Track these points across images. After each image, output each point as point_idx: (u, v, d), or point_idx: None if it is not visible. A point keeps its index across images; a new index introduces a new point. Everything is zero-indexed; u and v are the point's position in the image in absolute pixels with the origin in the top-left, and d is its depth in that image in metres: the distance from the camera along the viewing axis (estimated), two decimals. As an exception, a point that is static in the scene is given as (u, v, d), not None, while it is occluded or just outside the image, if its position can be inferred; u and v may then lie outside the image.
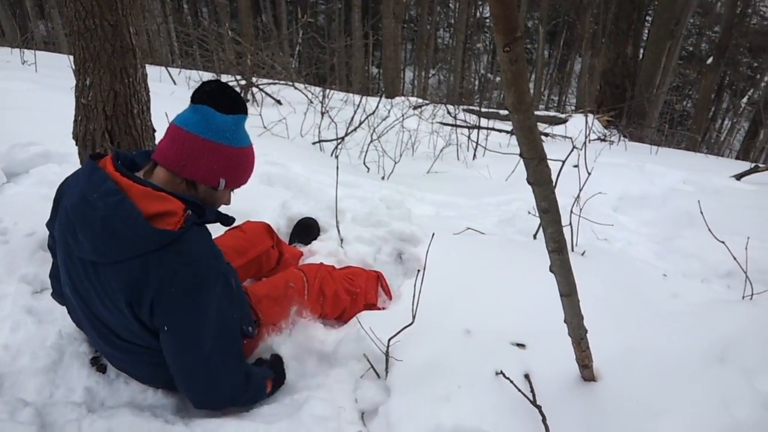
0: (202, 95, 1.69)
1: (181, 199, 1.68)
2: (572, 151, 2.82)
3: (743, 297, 2.52)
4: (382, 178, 4.53)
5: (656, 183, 4.54)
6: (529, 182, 1.31)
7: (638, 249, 3.41)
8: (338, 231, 2.91)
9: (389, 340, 2.02)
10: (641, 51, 13.18)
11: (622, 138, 7.68)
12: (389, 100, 9.32)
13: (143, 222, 1.56)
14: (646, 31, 15.99)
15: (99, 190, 1.59)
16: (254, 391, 1.95)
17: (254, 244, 2.50)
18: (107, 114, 2.24)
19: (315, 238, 3.02)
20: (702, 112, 15.56)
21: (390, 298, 2.67)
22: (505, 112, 10.60)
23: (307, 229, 3.07)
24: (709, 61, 16.09)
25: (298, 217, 3.13)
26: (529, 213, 3.17)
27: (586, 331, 1.79)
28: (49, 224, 1.92)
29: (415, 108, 8.49)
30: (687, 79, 26.28)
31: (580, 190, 2.92)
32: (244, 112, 1.77)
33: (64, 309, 2.25)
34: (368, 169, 4.79)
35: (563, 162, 2.93)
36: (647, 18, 16.55)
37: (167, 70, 6.31)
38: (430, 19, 25.27)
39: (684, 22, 15.84)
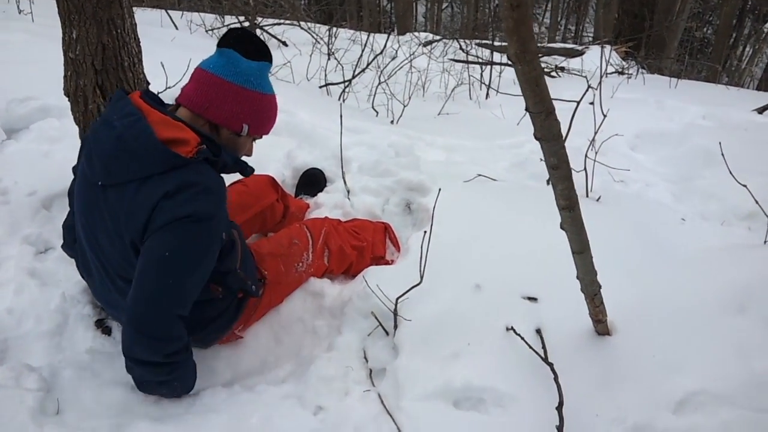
0: (229, 40, 1.72)
1: (199, 134, 1.66)
2: (587, 90, 2.68)
3: (765, 241, 2.43)
4: (392, 122, 4.40)
5: (675, 119, 4.37)
6: (536, 137, 1.22)
7: (656, 190, 3.29)
8: (344, 182, 2.83)
9: (397, 299, 1.97)
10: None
11: (640, 70, 7.39)
12: (399, 37, 9.03)
13: (155, 141, 1.56)
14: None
15: (120, 113, 1.62)
16: (171, 368, 1.70)
17: (258, 199, 2.44)
18: (96, 68, 2.13)
19: (321, 190, 2.95)
20: (723, 39, 14.94)
21: (398, 250, 2.62)
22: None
23: (312, 180, 3.00)
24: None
25: (304, 168, 3.06)
26: (541, 160, 3.05)
27: (599, 287, 1.72)
28: (75, 167, 1.92)
29: (425, 45, 8.20)
30: (708, 4, 25.19)
31: (596, 133, 2.80)
32: (269, 60, 1.78)
33: (67, 271, 2.23)
34: (377, 113, 4.65)
35: (578, 103, 2.79)
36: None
37: (167, 14, 6.08)
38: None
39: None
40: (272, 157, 3.12)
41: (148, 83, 2.41)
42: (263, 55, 1.76)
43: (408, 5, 15.17)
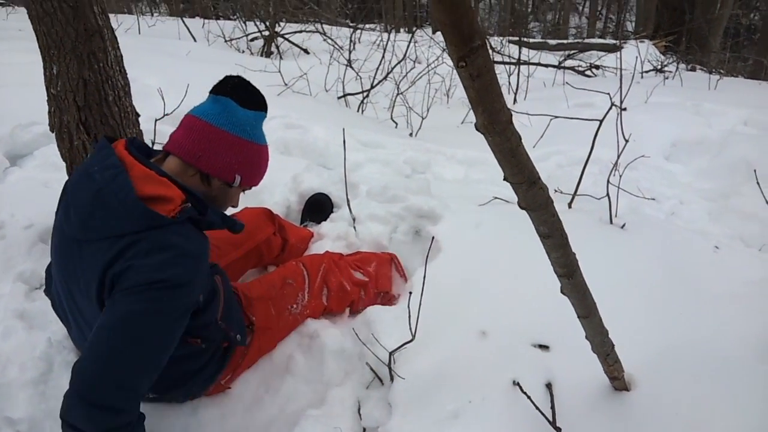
0: (225, 88, 1.66)
1: (184, 191, 1.55)
2: (610, 109, 2.48)
3: (807, 275, 2.19)
4: (410, 134, 4.24)
5: (714, 125, 4.09)
6: (520, 207, 1.05)
7: (690, 209, 3.06)
8: (350, 210, 2.68)
9: (391, 353, 1.82)
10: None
11: (679, 68, 7.03)
12: (434, 36, 8.85)
13: (134, 198, 1.45)
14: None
15: (101, 164, 1.53)
16: None
17: (252, 234, 2.31)
18: (79, 104, 2.04)
19: (328, 216, 2.81)
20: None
21: (405, 280, 2.47)
22: (555, 42, 9.94)
23: (318, 207, 2.87)
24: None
25: (310, 193, 2.93)
26: (556, 191, 2.83)
27: (612, 346, 1.54)
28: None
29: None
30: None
31: (618, 156, 2.58)
32: (265, 109, 1.74)
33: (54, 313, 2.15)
34: (396, 124, 4.50)
35: (600, 122, 2.59)
36: None
37: (183, 22, 6.00)
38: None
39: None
40: (279, 180, 3.00)
41: (138, 115, 2.31)
42: (259, 104, 1.71)
43: None
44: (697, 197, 3.18)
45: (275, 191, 2.94)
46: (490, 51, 7.64)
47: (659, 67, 7.03)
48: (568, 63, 7.94)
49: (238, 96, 1.65)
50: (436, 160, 3.78)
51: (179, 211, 1.49)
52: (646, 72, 6.72)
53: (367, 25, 10.02)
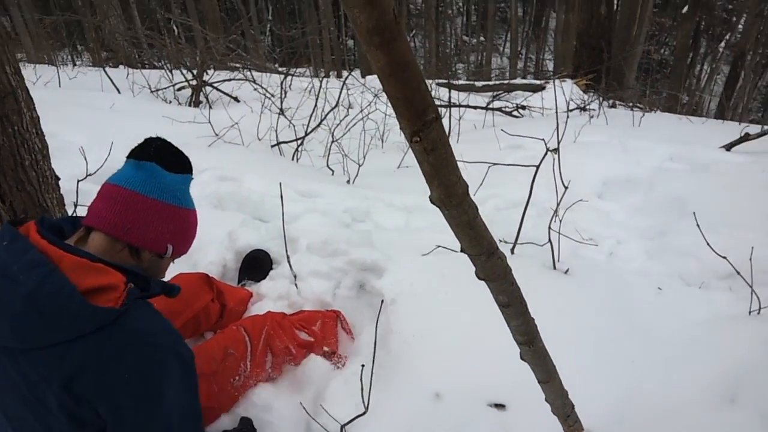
0: (148, 152, 1.51)
1: (121, 270, 1.39)
2: (546, 155, 2.49)
3: (749, 312, 2.23)
4: (348, 181, 4.18)
5: (642, 162, 4.22)
6: (479, 278, 0.99)
7: (628, 248, 3.10)
8: (290, 267, 2.57)
9: (343, 427, 1.71)
10: (615, 8, 12.75)
11: (602, 105, 7.33)
12: (364, 79, 8.92)
13: (79, 299, 1.27)
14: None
15: (21, 262, 1.30)
16: None
17: (190, 303, 2.16)
18: (-10, 172, 1.87)
19: (267, 274, 2.69)
20: (681, 61, 15.15)
21: (352, 338, 2.37)
22: (481, 83, 10.21)
23: (256, 265, 2.74)
24: (685, 9, 15.67)
25: (247, 250, 2.79)
26: (500, 241, 2.82)
27: (572, 407, 1.48)
28: None
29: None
30: (663, 26, 25.87)
31: (558, 203, 2.59)
32: (191, 171, 1.61)
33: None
34: (333, 171, 4.43)
35: (537, 168, 2.60)
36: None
37: (106, 73, 5.78)
38: (400, -16, 24.57)
39: (656, -29, 15.34)
40: (213, 237, 2.86)
41: (58, 179, 2.15)
42: (186, 166, 1.58)
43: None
44: (633, 236, 3.23)
45: (209, 250, 2.80)
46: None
47: (583, 105, 7.30)
48: (496, 104, 8.14)
49: (163, 159, 1.52)
50: (376, 207, 3.72)
51: (126, 296, 1.34)
52: (571, 111, 6.95)
53: (297, 70, 10.03)
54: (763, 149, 4.43)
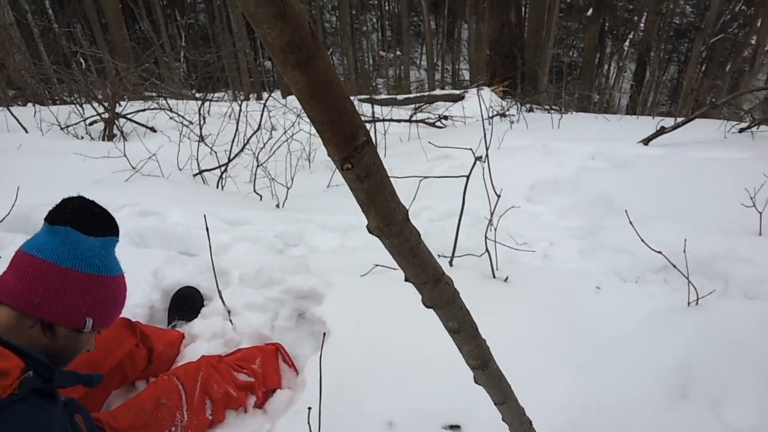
0: (63, 215, 1.36)
1: (23, 354, 1.23)
2: (474, 164, 2.47)
3: (688, 303, 2.26)
4: (277, 205, 4.06)
5: (565, 163, 4.31)
6: (426, 305, 0.92)
7: (562, 249, 3.13)
8: (223, 302, 2.44)
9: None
10: (523, 14, 13.17)
11: (521, 110, 7.51)
12: (285, 100, 8.81)
13: None
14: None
15: None
16: None
17: (111, 351, 1.99)
18: None
19: (198, 312, 2.54)
20: (589, 62, 15.83)
21: (296, 372, 2.25)
22: (402, 97, 10.28)
23: (186, 303, 2.58)
24: (590, 12, 16.39)
25: (175, 288, 2.64)
26: (439, 256, 2.79)
27: (530, 423, 1.43)
28: None
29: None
30: (570, 30, 27.06)
31: (492, 213, 2.58)
32: (116, 232, 1.46)
33: None
34: (260, 197, 4.30)
35: (467, 178, 2.58)
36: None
37: (10, 112, 5.42)
38: (314, 3, 24.61)
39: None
40: (137, 278, 2.68)
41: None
42: (108, 228, 1.43)
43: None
44: (565, 236, 3.27)
45: (133, 291, 2.61)
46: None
47: (503, 112, 7.45)
48: (419, 116, 8.20)
49: (81, 222, 1.37)
50: (309, 230, 3.62)
51: (19, 385, 1.18)
52: (492, 117, 7.07)
53: (215, 95, 9.81)
54: (677, 141, 4.62)
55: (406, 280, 0.86)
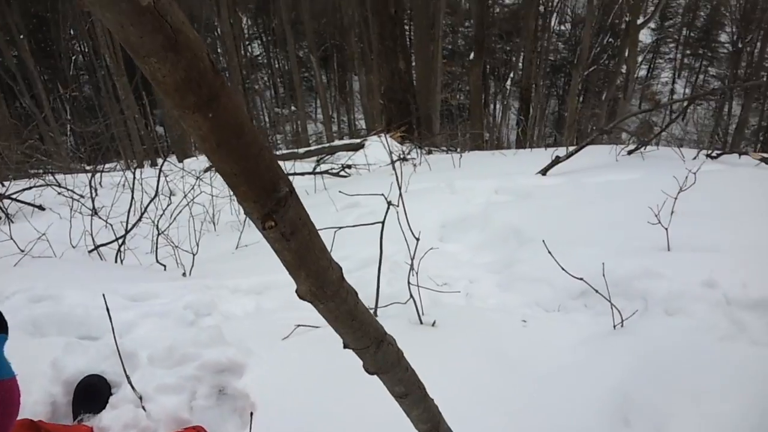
0: None
1: None
2: (388, 209, 2.42)
3: (614, 326, 2.28)
4: (183, 274, 3.82)
5: (471, 200, 4.37)
6: (369, 372, 0.82)
7: (481, 285, 3.11)
8: (132, 388, 2.21)
9: None
10: (412, 62, 13.62)
11: (422, 154, 7.64)
12: (182, 163, 8.53)
13: None
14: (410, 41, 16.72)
15: None
16: None
17: (13, 460, 1.73)
18: None
19: (107, 402, 2.28)
20: (476, 103, 16.51)
21: (222, 454, 2.05)
22: (303, 150, 10.23)
23: (92, 393, 2.32)
24: (471, 56, 17.20)
25: (78, 378, 2.37)
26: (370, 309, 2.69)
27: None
28: None
29: (206, 171, 7.76)
30: (455, 75, 28.37)
31: (413, 258, 2.52)
32: (4, 330, 1.28)
33: None
34: (164, 267, 4.04)
35: (382, 224, 2.52)
36: (409, 30, 17.35)
37: None
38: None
39: (439, 24, 16.67)
40: (34, 371, 2.39)
41: None
42: None
43: (182, 128, 14.71)
44: (483, 272, 3.26)
45: (31, 387, 2.33)
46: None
47: (404, 156, 7.54)
48: (323, 167, 8.16)
49: None
50: (221, 296, 3.41)
51: None
52: (395, 162, 7.14)
53: (107, 166, 9.37)
54: (573, 168, 4.82)
55: (345, 346, 0.76)
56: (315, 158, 9.45)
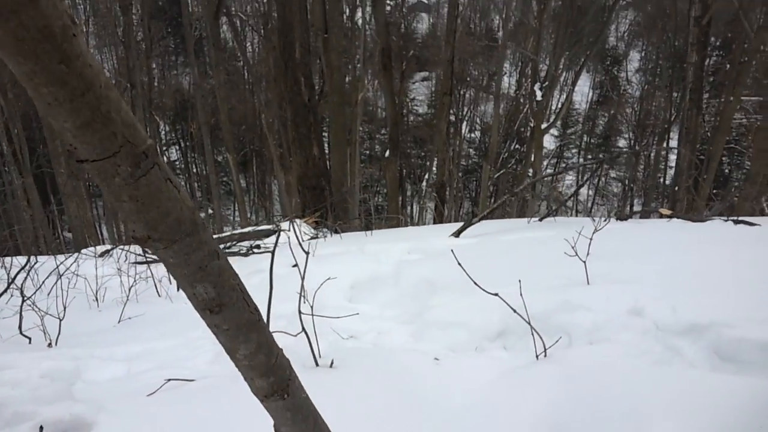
0: None
1: None
2: (279, 234, 2.11)
3: (537, 356, 2.00)
4: (49, 345, 3.28)
5: (383, 260, 4.10)
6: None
7: (392, 336, 2.78)
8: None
9: None
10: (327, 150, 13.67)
11: (333, 233, 7.42)
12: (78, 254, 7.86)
13: None
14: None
15: None
16: None
17: None
18: None
19: None
20: (393, 197, 16.57)
21: None
22: (215, 236, 9.75)
23: None
24: (387, 153, 17.52)
25: None
26: None
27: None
28: None
29: (101, 255, 7.17)
30: (373, 176, 28.95)
31: (303, 280, 2.19)
32: None
33: None
34: (29, 339, 3.47)
35: (274, 246, 2.20)
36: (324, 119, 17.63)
37: None
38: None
39: (356, 130, 16.99)
40: None
41: None
42: None
43: (83, 221, 13.97)
44: (393, 324, 2.95)
45: None
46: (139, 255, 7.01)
47: (316, 235, 7.27)
48: (233, 249, 7.78)
49: None
50: (89, 365, 2.91)
51: None
52: (305, 241, 6.86)
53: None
54: (484, 231, 4.69)
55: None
56: (223, 245, 9.00)
